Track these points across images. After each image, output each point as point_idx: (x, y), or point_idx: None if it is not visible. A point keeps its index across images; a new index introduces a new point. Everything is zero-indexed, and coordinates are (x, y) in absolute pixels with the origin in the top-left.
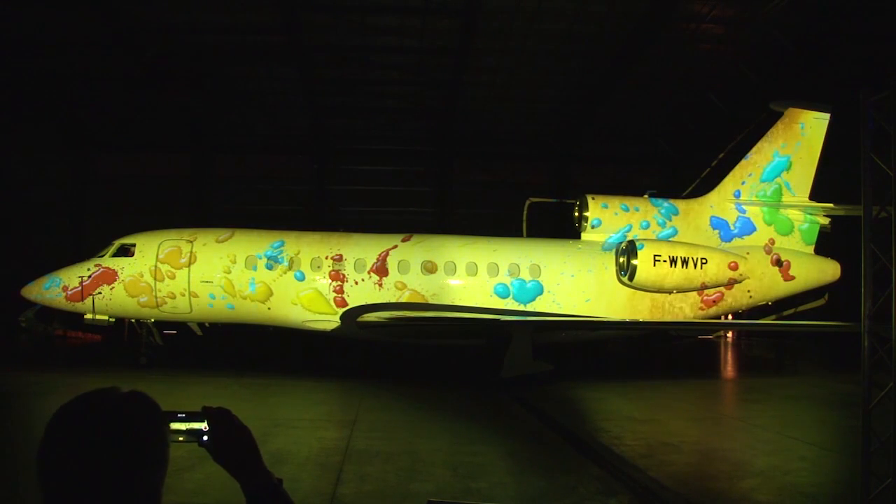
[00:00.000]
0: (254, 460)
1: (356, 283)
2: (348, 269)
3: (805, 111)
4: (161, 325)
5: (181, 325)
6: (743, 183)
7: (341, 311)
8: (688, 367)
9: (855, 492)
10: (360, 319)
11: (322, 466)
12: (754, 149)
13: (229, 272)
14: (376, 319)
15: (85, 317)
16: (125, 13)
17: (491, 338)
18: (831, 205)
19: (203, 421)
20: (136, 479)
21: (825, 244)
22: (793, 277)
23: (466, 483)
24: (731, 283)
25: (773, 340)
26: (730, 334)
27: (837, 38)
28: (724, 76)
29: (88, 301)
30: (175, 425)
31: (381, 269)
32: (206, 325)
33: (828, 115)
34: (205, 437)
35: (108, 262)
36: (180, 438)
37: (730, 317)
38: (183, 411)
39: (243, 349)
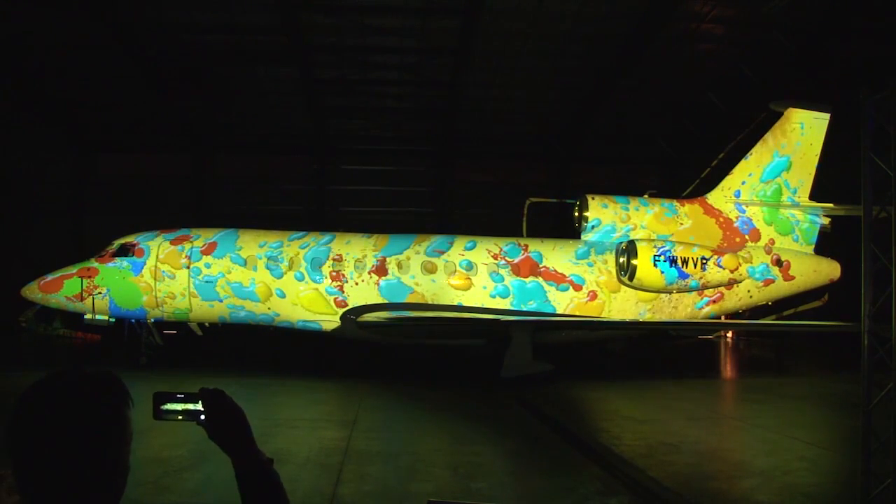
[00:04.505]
0: (245, 439)
1: (356, 283)
2: (348, 269)
3: (805, 111)
4: (161, 324)
5: (181, 325)
6: (743, 183)
7: (341, 311)
8: (688, 367)
9: (855, 492)
10: (360, 319)
11: (322, 466)
12: (754, 149)
13: (229, 272)
14: (376, 319)
15: (85, 317)
16: (125, 13)
17: (491, 338)
18: (831, 205)
19: (199, 401)
20: (98, 453)
21: (825, 244)
22: (793, 277)
23: (466, 483)
24: (731, 284)
25: (773, 340)
26: (730, 334)
27: (837, 38)
28: (724, 76)
29: (88, 301)
30: (174, 405)
31: (380, 270)
32: (206, 324)
33: (828, 115)
34: (202, 417)
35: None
36: (179, 417)
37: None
38: (182, 392)
39: (243, 349)
